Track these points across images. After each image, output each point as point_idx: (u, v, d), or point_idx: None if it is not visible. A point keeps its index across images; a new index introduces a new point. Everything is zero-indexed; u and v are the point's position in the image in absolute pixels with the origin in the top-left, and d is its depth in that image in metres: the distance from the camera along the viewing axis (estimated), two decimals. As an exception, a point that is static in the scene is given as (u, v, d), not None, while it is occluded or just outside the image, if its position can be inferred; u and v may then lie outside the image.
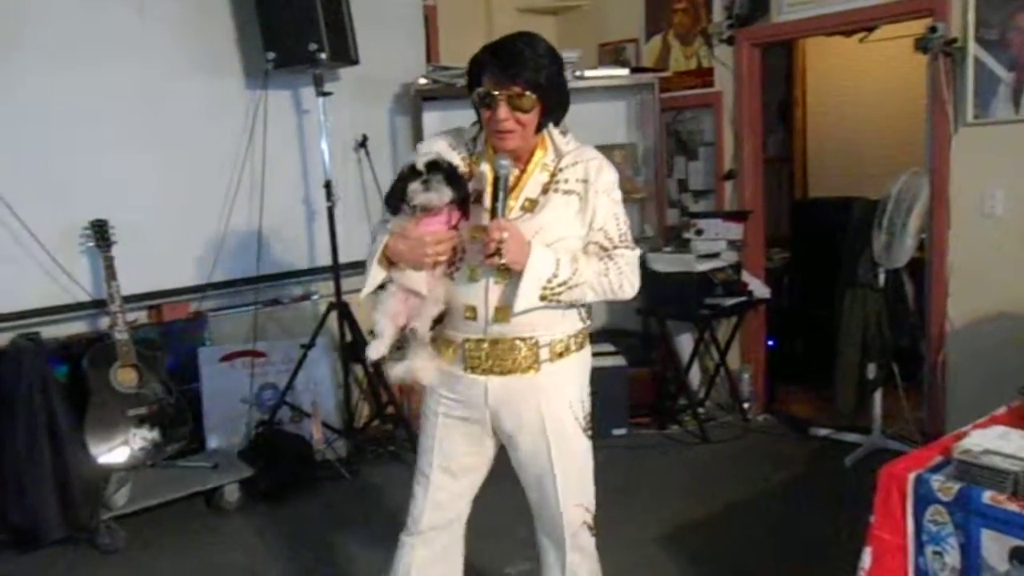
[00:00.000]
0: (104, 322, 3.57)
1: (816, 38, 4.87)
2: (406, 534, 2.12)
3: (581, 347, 2.04)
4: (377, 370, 4.05)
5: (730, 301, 4.22)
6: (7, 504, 3.12)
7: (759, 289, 4.38)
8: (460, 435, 2.05)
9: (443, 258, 1.92)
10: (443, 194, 1.89)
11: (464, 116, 4.80)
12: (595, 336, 4.63)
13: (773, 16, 4.18)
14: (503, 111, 1.84)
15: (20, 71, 3.35)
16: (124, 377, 3.44)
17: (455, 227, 1.92)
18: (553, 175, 1.95)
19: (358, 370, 4.32)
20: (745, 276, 4.34)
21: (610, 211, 1.95)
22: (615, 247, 1.96)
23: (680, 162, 4.76)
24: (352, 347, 4.04)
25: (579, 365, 2.04)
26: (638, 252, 2.00)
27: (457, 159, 1.97)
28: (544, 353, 1.96)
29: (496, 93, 1.84)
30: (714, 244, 4.22)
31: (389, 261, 1.94)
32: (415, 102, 4.29)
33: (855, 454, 3.80)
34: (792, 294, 4.95)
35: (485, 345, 1.95)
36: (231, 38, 3.94)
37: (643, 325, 4.59)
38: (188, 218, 3.86)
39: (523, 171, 1.95)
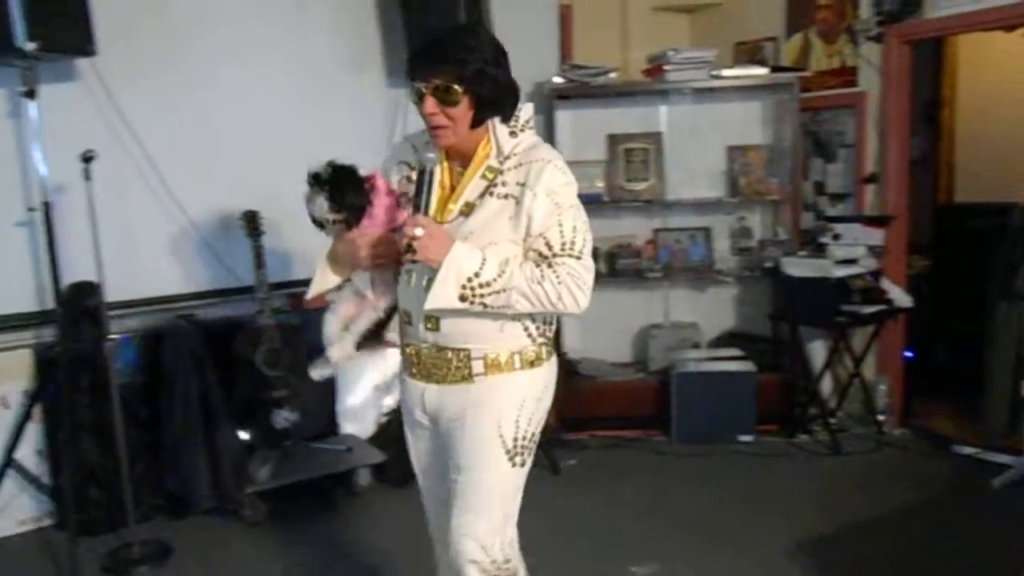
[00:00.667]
0: (251, 307, 3.79)
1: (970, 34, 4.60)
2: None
3: (531, 366, 1.89)
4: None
5: (868, 309, 4.05)
6: (165, 473, 3.36)
7: (900, 297, 4.18)
8: (422, 443, 2.05)
9: (381, 260, 1.91)
10: (318, 207, 1.91)
11: (599, 115, 4.82)
12: (722, 340, 4.63)
13: (927, 11, 3.98)
14: (429, 104, 1.79)
15: (191, 74, 3.60)
16: (269, 360, 3.64)
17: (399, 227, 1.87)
18: (494, 178, 1.84)
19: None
20: (885, 284, 4.16)
21: (552, 217, 1.78)
22: (555, 255, 1.79)
23: (817, 164, 4.61)
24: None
25: (524, 385, 1.89)
26: (586, 263, 1.80)
27: (414, 160, 1.91)
28: (478, 366, 1.87)
29: (420, 85, 1.79)
30: (852, 249, 4.06)
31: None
32: (548, 101, 4.33)
33: (1004, 476, 3.58)
34: (933, 304, 4.71)
35: (423, 352, 1.91)
36: (376, 40, 4.10)
37: (773, 330, 4.47)
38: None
39: (463, 173, 1.88)
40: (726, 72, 4.24)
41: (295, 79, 3.89)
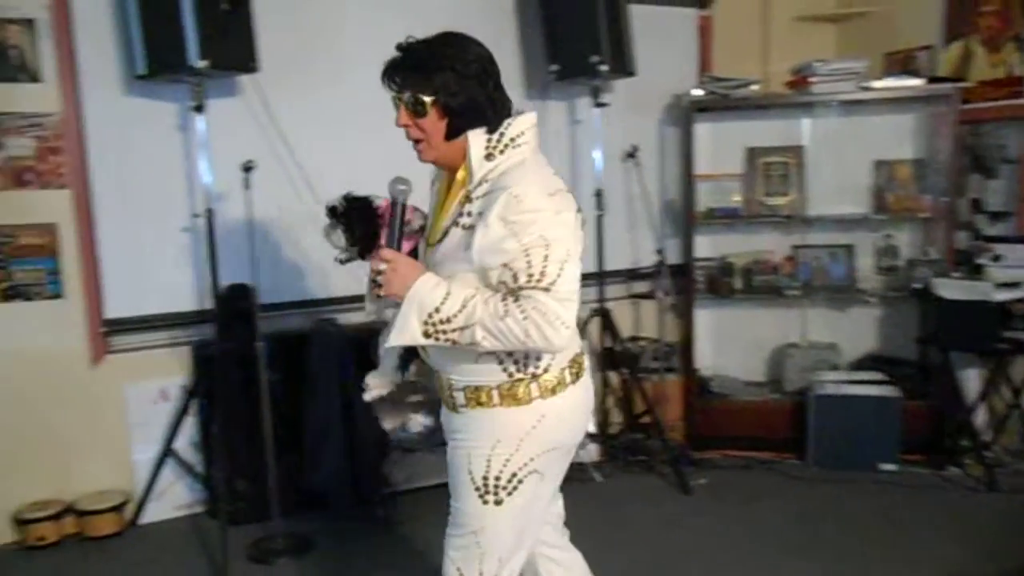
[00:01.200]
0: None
1: None
2: None
3: (516, 402, 1.78)
4: (635, 377, 4.09)
5: (1032, 336, 3.77)
6: (307, 470, 3.51)
7: (1067, 325, 3.87)
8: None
9: None
10: (336, 239, 1.92)
11: (738, 128, 4.70)
12: (863, 362, 4.42)
13: (1106, 17, 3.69)
14: (401, 115, 1.77)
15: (344, 90, 3.74)
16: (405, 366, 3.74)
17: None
18: (462, 206, 1.75)
19: (615, 377, 4.37)
20: (1051, 310, 3.87)
21: (515, 247, 1.64)
22: (521, 288, 1.65)
23: (974, 180, 4.33)
24: (611, 353, 4.11)
25: (502, 423, 1.79)
26: (558, 296, 1.64)
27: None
28: (460, 397, 1.83)
29: (394, 95, 1.78)
30: (1016, 272, 3.79)
31: None
32: (687, 113, 4.27)
33: None
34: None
35: (437, 377, 1.92)
36: (518, 52, 4.17)
37: (921, 354, 4.24)
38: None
39: (447, 195, 1.83)
40: (877, 84, 4.05)
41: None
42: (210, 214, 3.28)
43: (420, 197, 1.98)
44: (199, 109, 3.23)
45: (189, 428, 3.65)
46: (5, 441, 3.44)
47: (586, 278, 4.38)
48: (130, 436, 3.65)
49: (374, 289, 1.75)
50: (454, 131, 1.76)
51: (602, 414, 4.30)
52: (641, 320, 4.62)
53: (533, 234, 1.64)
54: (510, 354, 1.76)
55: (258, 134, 3.60)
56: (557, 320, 1.63)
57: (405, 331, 1.70)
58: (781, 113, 4.41)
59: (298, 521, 3.45)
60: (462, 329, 1.66)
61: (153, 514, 3.63)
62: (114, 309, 3.55)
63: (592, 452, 4.14)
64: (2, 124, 3.34)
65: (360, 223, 1.94)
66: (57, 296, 3.48)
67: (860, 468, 3.93)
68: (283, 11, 3.57)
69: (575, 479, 3.89)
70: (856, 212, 4.33)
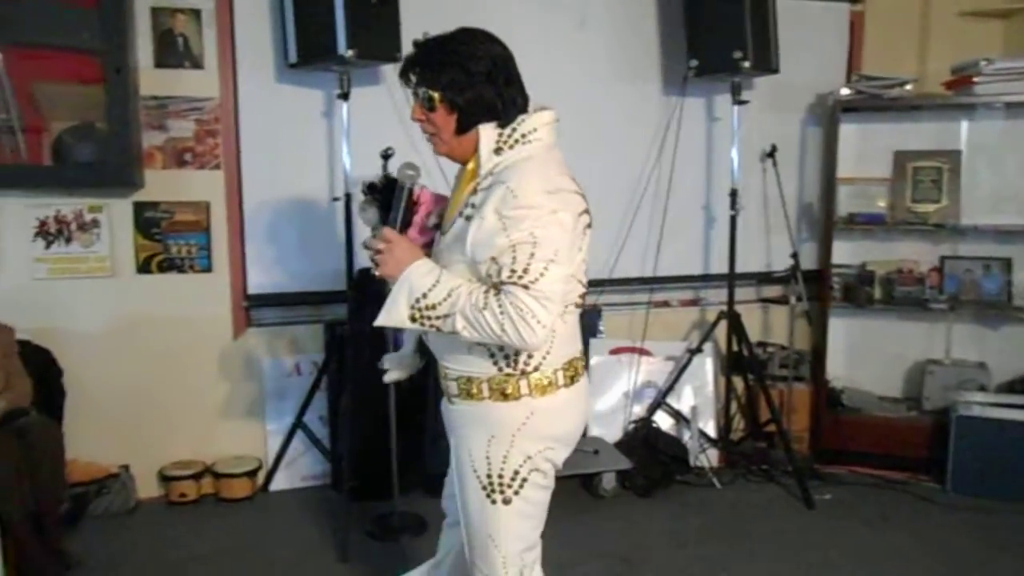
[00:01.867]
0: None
1: None
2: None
3: (504, 398, 1.76)
4: (761, 384, 3.96)
5: None
6: (426, 455, 3.60)
7: None
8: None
9: None
10: (370, 216, 1.91)
11: (887, 130, 4.46)
12: (1015, 385, 4.10)
13: None
14: (415, 109, 1.80)
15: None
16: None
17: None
18: (469, 198, 1.75)
19: (740, 382, 4.26)
20: None
21: (503, 241, 1.64)
22: (503, 282, 1.64)
23: None
24: (738, 358, 3.99)
25: (493, 419, 1.77)
26: (536, 294, 1.61)
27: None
28: (452, 387, 1.82)
29: (408, 89, 1.81)
30: None
31: None
32: (832, 113, 4.08)
33: None
34: None
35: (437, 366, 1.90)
36: (655, 47, 4.11)
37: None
38: (597, 215, 4.07)
39: (460, 188, 1.83)
40: (1050, 84, 3.75)
41: (575, 89, 3.99)
42: (348, 199, 3.41)
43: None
44: (344, 97, 3.35)
45: (319, 403, 3.81)
46: (156, 402, 3.70)
47: (715, 279, 4.32)
48: (265, 406, 3.85)
49: (373, 268, 1.77)
50: (463, 126, 1.78)
51: (724, 419, 4.19)
52: (770, 325, 4.48)
53: (523, 230, 1.64)
54: (501, 348, 1.75)
55: (396, 122, 3.69)
56: (533, 319, 1.61)
57: (392, 312, 1.71)
58: (936, 115, 4.14)
59: (415, 501, 3.54)
60: (445, 317, 1.67)
61: (281, 482, 3.82)
62: (256, 285, 3.75)
63: (712, 458, 4.04)
64: (167, 107, 3.58)
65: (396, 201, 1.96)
66: (207, 270, 3.71)
67: (1006, 498, 3.66)
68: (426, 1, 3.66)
69: (693, 484, 3.86)
70: (1017, 223, 4.03)
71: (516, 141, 1.75)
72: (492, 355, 1.76)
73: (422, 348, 2.04)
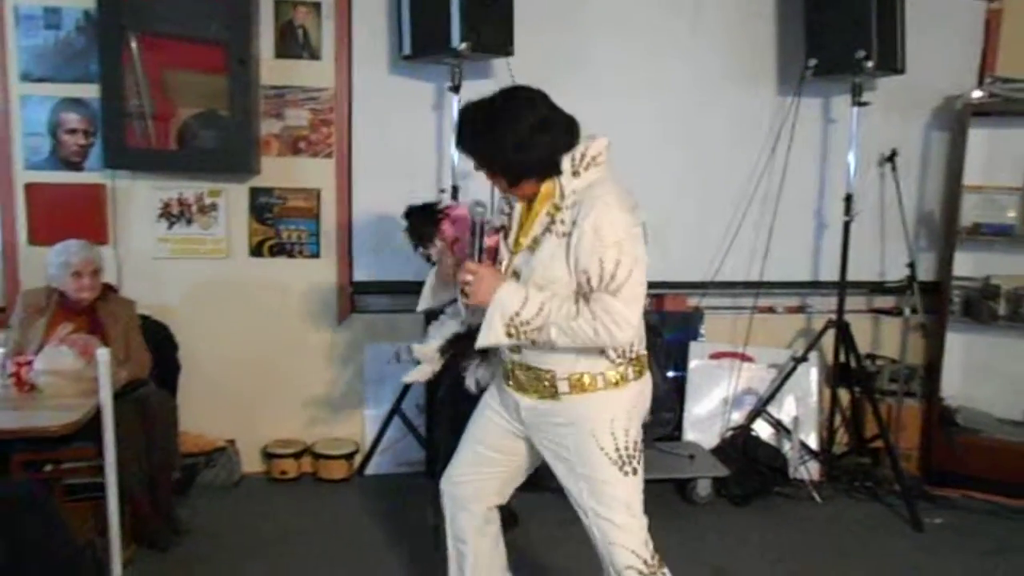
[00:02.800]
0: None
1: None
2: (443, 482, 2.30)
3: (615, 386, 1.99)
4: (868, 398, 3.80)
5: None
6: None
7: None
8: (498, 429, 2.19)
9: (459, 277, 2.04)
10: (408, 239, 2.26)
11: (1021, 136, 4.16)
12: None
13: None
14: (474, 165, 2.00)
15: (589, 78, 3.80)
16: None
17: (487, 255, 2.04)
18: (555, 215, 1.94)
19: (845, 395, 4.09)
20: None
21: (594, 252, 1.86)
22: (593, 290, 1.88)
23: None
24: (846, 369, 3.84)
25: (609, 403, 2.00)
26: (625, 298, 1.85)
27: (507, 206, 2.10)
28: (563, 386, 2.00)
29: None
30: None
31: None
32: (960, 117, 3.87)
33: None
34: None
35: (516, 368, 2.06)
36: (771, 46, 3.99)
37: None
38: (703, 217, 4.02)
39: (530, 210, 2.01)
40: None
41: (686, 90, 3.94)
42: (456, 191, 3.44)
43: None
44: (456, 89, 3.38)
45: (416, 391, 3.86)
46: (262, 382, 3.84)
47: (823, 286, 4.16)
48: (364, 392, 3.94)
49: (462, 299, 1.98)
50: (512, 182, 1.99)
51: (828, 432, 4.03)
52: (881, 337, 4.28)
53: (611, 243, 1.85)
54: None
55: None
56: (624, 321, 1.85)
57: (490, 333, 1.92)
58: (1076, 121, 3.87)
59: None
60: (539, 329, 1.89)
61: (377, 466, 3.90)
62: (361, 272, 3.84)
63: (812, 471, 3.90)
64: (284, 96, 3.70)
65: (421, 222, 2.25)
66: (315, 256, 3.82)
67: None
68: (539, -2, 3.66)
69: (791, 497, 3.74)
70: None
71: (588, 164, 1.96)
72: (603, 351, 1.96)
73: (444, 347, 2.29)
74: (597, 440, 1.99)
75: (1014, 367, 4.06)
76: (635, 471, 2.02)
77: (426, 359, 2.31)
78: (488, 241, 2.05)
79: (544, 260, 1.94)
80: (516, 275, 1.99)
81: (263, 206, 3.76)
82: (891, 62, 3.56)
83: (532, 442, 2.15)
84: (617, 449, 1.99)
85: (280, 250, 3.80)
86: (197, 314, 3.74)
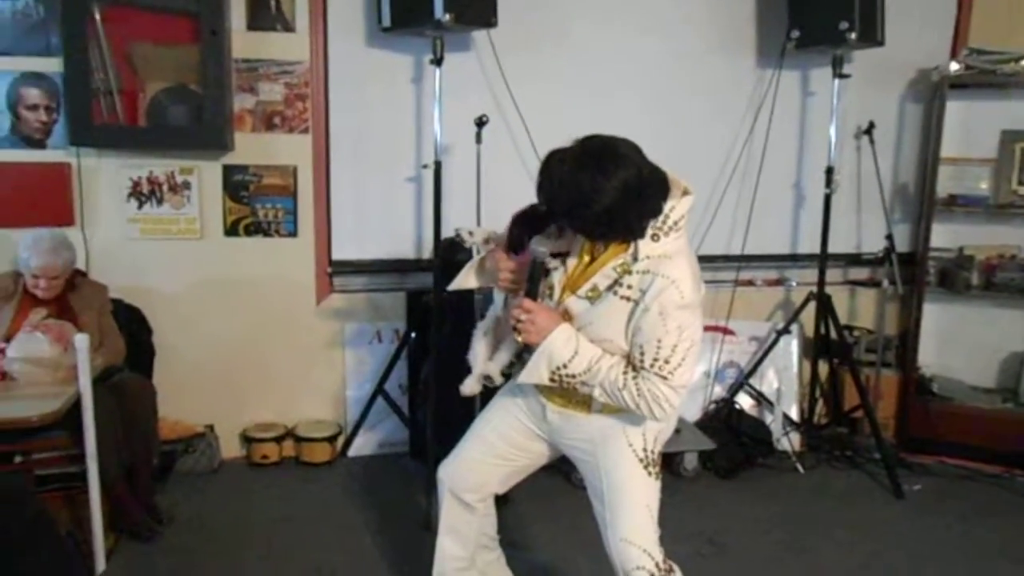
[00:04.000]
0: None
1: None
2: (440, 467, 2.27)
3: None
4: (847, 369, 3.85)
5: None
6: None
7: None
8: (520, 426, 2.15)
9: (512, 286, 2.03)
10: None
11: (994, 108, 4.23)
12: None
13: None
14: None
15: (572, 51, 3.77)
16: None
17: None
18: (621, 275, 1.86)
19: (824, 366, 4.14)
20: None
21: (655, 333, 1.79)
22: (644, 368, 1.82)
23: None
24: (826, 341, 3.88)
25: (641, 416, 1.94)
26: (674, 385, 1.79)
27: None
28: (597, 404, 1.98)
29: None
30: None
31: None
32: (936, 89, 3.90)
33: None
34: None
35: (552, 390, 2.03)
36: (751, 19, 3.97)
37: None
38: (683, 191, 4.00)
39: (594, 259, 1.92)
40: None
41: (666, 62, 3.90)
42: (438, 166, 3.36)
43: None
44: (438, 62, 3.29)
45: (399, 371, 3.81)
46: (241, 365, 3.74)
47: (804, 259, 4.19)
48: (346, 372, 3.87)
49: (515, 333, 1.92)
50: (592, 239, 1.91)
51: (808, 403, 4.08)
52: (857, 309, 4.33)
53: (674, 328, 1.78)
54: None
55: (485, 89, 3.65)
56: (666, 403, 1.81)
57: (534, 374, 1.91)
58: (1048, 93, 3.94)
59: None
60: (583, 384, 1.89)
61: (360, 448, 3.84)
62: (340, 251, 3.75)
63: (794, 441, 3.94)
64: (258, 70, 3.58)
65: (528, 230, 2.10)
66: (293, 235, 3.72)
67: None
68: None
69: (775, 468, 3.78)
70: None
71: (670, 228, 1.84)
72: None
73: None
74: (628, 437, 2.00)
75: (986, 336, 4.15)
76: (657, 476, 2.02)
77: (493, 373, 2.18)
78: (523, 257, 2.00)
79: (602, 316, 1.87)
80: (568, 316, 1.92)
81: (238, 184, 3.64)
82: (872, 34, 3.56)
83: (554, 445, 2.14)
84: (645, 449, 2.00)
85: (256, 229, 3.69)
86: (171, 296, 3.62)
